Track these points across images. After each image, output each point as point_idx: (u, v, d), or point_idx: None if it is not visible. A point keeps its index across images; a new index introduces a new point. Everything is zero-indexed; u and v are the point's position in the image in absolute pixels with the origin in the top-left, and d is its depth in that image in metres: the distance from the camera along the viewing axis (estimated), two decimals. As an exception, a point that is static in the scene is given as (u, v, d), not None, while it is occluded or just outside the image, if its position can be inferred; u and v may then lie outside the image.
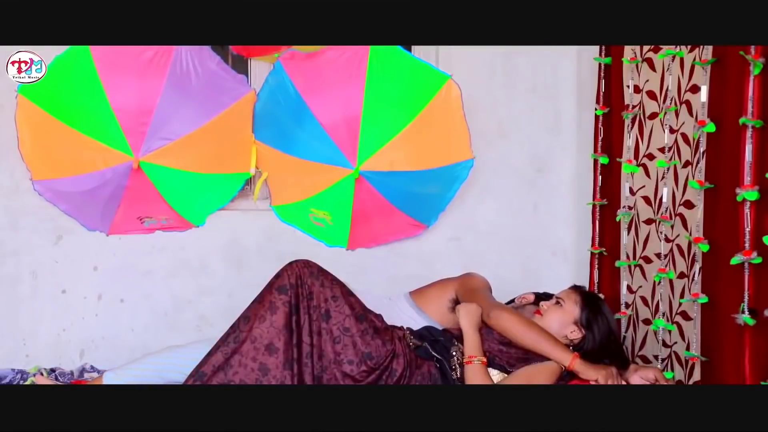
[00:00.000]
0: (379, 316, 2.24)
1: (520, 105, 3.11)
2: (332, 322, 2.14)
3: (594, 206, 2.95)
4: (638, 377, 2.27)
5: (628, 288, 2.71)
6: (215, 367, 2.08)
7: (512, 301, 2.59)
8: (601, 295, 2.69)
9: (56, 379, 2.56)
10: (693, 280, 2.29)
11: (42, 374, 2.53)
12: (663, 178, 2.48)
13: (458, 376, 2.22)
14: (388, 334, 2.20)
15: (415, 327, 2.42)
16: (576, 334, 2.32)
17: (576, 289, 2.42)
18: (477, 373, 2.18)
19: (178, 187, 2.80)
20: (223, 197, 2.90)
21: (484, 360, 2.20)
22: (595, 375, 2.17)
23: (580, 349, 2.30)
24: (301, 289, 2.14)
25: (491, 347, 2.26)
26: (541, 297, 2.52)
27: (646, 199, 2.61)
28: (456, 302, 2.48)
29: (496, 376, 2.24)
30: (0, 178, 2.77)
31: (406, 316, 2.51)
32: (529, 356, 2.25)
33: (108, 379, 2.28)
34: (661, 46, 2.49)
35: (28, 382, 2.46)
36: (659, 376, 2.28)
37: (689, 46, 2.34)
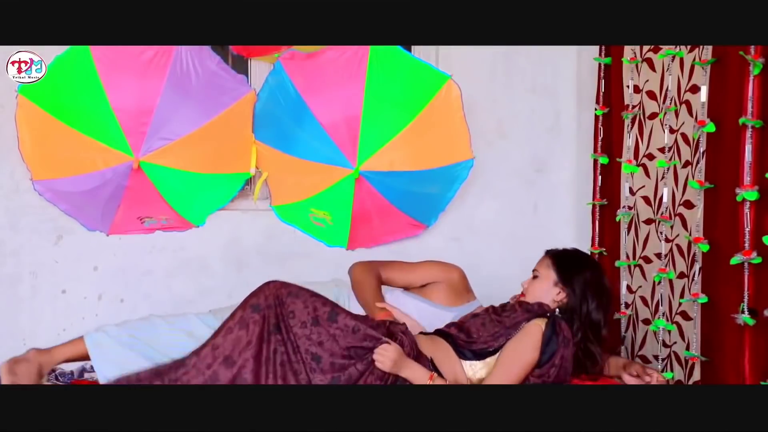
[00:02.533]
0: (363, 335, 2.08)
1: (519, 105, 3.11)
2: (301, 350, 2.04)
3: (594, 206, 2.95)
4: (628, 376, 2.30)
5: (628, 288, 2.71)
6: (174, 362, 2.05)
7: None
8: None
9: (56, 379, 2.55)
10: (693, 280, 2.29)
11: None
12: (663, 178, 2.48)
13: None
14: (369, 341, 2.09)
15: (413, 312, 2.44)
16: (561, 295, 2.26)
17: (547, 253, 2.35)
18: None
19: (178, 187, 2.80)
20: (223, 197, 2.90)
21: (432, 375, 2.09)
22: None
23: (569, 310, 2.23)
24: (278, 309, 2.07)
25: (464, 333, 2.23)
26: None
27: (646, 199, 2.61)
28: None
29: (482, 368, 2.20)
30: (0, 178, 2.77)
31: (405, 306, 2.51)
32: (509, 330, 2.19)
33: (90, 339, 2.30)
34: (661, 46, 2.49)
35: (27, 382, 2.45)
36: (640, 370, 2.28)
37: (689, 46, 2.34)
